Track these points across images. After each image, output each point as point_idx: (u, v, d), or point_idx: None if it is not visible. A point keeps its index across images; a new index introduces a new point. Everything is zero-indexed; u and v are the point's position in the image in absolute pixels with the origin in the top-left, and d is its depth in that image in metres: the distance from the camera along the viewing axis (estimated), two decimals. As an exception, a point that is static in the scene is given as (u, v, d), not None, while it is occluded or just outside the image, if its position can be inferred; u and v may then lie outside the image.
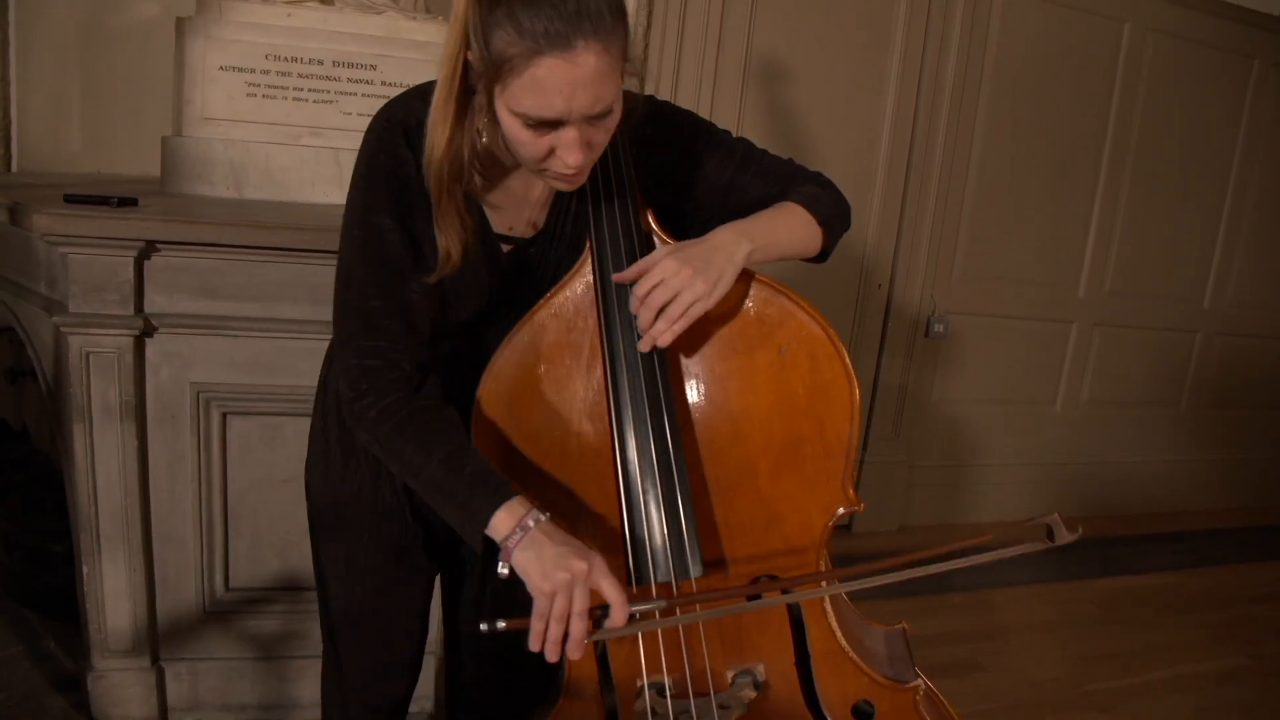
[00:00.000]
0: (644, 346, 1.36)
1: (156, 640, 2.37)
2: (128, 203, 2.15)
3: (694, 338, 1.42)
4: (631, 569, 1.39)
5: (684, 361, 1.44)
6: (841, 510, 1.45)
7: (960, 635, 3.40)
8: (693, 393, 1.44)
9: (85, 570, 2.27)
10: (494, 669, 1.70)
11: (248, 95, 2.51)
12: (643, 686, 1.46)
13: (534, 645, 1.22)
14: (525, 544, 1.22)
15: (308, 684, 2.47)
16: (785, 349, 1.43)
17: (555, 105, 1.16)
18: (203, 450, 2.29)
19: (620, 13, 1.17)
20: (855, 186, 3.89)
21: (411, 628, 1.69)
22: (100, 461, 2.20)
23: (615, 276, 1.38)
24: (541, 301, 1.42)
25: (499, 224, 1.43)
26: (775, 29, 3.66)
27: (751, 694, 1.48)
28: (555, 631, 1.21)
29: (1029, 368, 4.59)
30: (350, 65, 2.55)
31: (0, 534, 2.81)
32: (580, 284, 1.42)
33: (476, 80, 1.21)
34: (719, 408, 1.44)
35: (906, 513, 4.43)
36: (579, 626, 1.21)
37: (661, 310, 1.34)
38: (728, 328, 1.44)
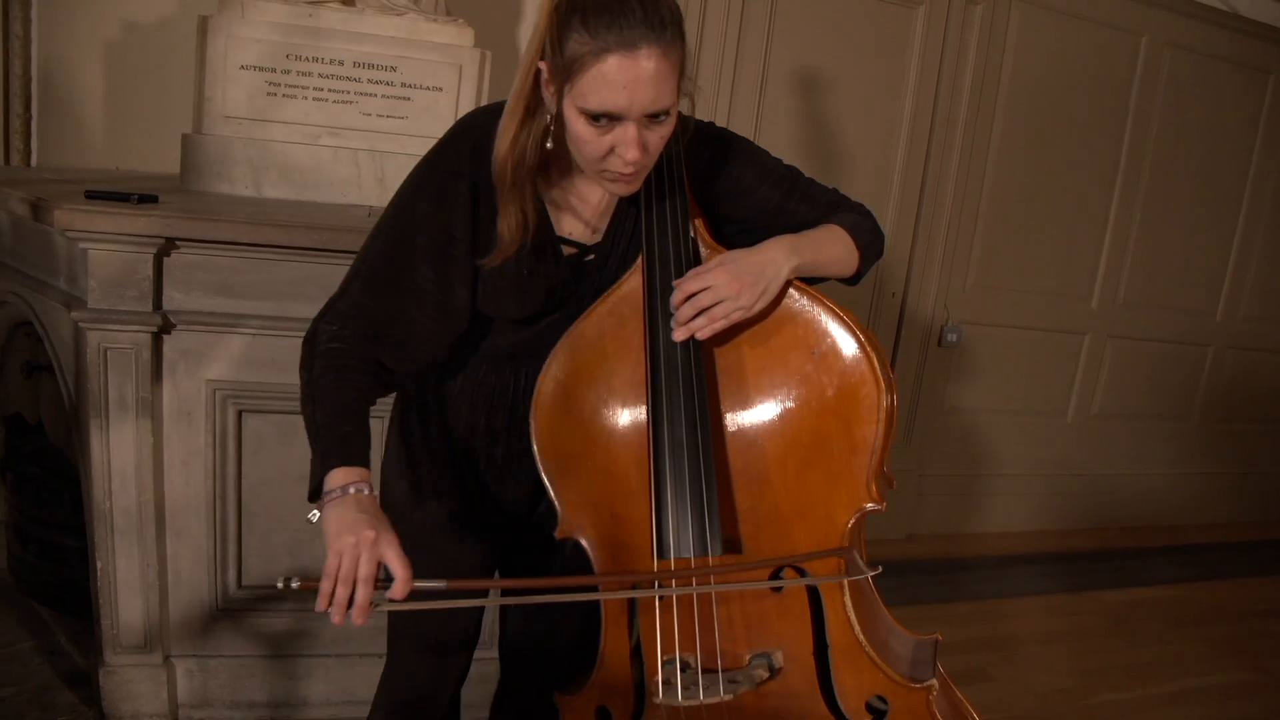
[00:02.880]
0: (678, 337, 1.46)
1: (168, 636, 2.38)
2: (148, 200, 2.16)
3: (731, 336, 1.51)
4: (655, 544, 1.48)
5: (719, 358, 1.52)
6: (866, 507, 1.49)
7: (968, 645, 3.39)
8: (727, 388, 1.52)
9: (99, 565, 2.28)
10: (550, 656, 1.87)
11: (268, 94, 2.52)
12: (665, 661, 1.54)
13: (320, 605, 1.29)
14: (337, 503, 1.34)
15: (317, 682, 2.48)
16: (818, 350, 1.49)
17: (618, 99, 1.28)
18: (218, 447, 2.30)
19: (680, 29, 1.32)
20: (871, 195, 3.89)
21: (466, 621, 1.79)
22: (116, 457, 2.22)
23: (676, 282, 1.48)
24: (597, 302, 1.54)
25: (561, 227, 1.54)
26: (793, 42, 3.67)
27: (764, 674, 1.54)
28: (341, 594, 1.28)
29: (1041, 378, 4.58)
30: (370, 66, 2.56)
31: (14, 527, 2.82)
32: (633, 284, 1.53)
33: (546, 86, 1.34)
34: (750, 402, 1.52)
35: (915, 521, 4.42)
36: (363, 592, 1.28)
37: (703, 311, 1.45)
38: (764, 328, 1.51)
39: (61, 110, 3.01)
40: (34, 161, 2.99)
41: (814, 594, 1.55)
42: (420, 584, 1.33)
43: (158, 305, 2.18)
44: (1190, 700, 3.19)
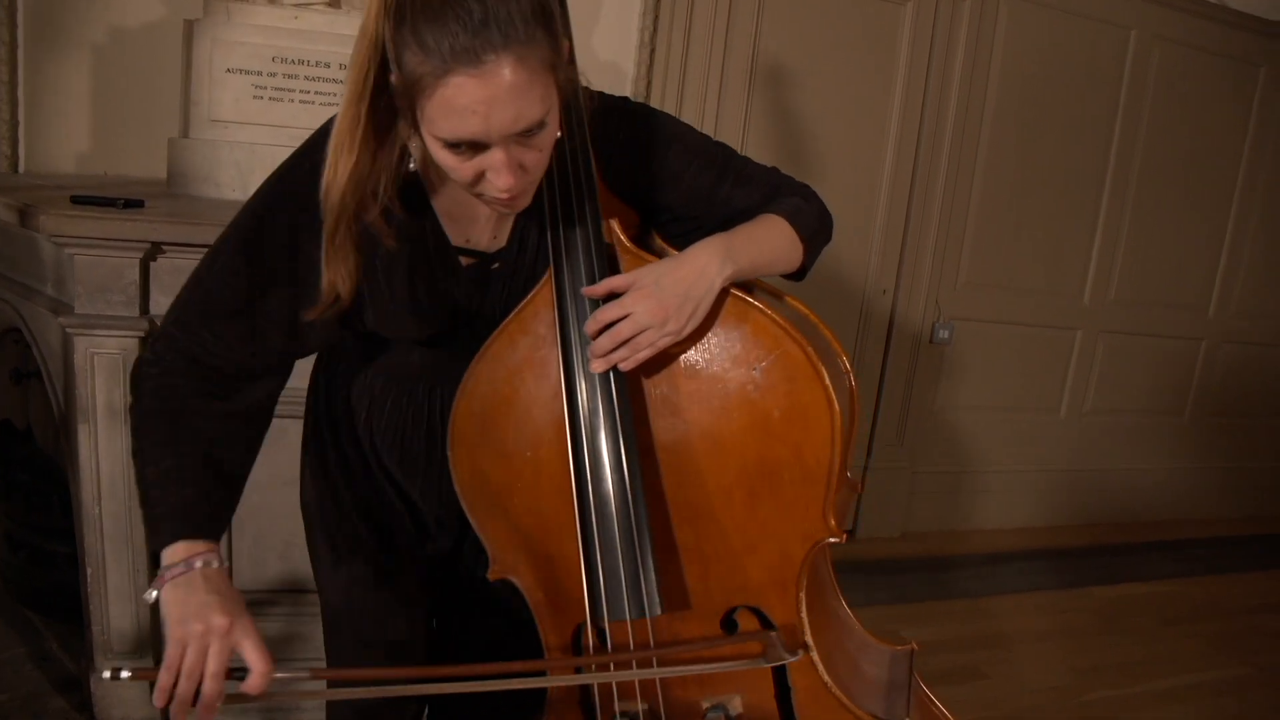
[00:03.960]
0: (596, 369, 1.28)
1: (159, 642, 2.37)
2: (134, 204, 2.15)
3: (659, 356, 1.32)
4: (588, 607, 1.32)
5: (646, 382, 1.34)
6: (827, 541, 1.35)
7: (961, 642, 3.39)
8: (657, 415, 1.35)
9: (89, 571, 2.27)
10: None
11: (254, 97, 2.51)
12: (616, 714, 1.42)
13: (158, 700, 1.10)
14: (180, 581, 1.15)
15: (309, 686, 2.47)
16: (759, 368, 1.32)
17: (471, 126, 1.06)
18: (206, 452, 2.29)
19: (540, 17, 1.07)
20: (860, 192, 3.90)
21: (408, 634, 1.63)
22: (104, 462, 2.21)
23: (585, 290, 1.30)
24: (509, 318, 1.35)
25: (456, 236, 1.35)
26: (781, 37, 3.67)
27: None
28: (184, 688, 1.09)
29: (1033, 375, 4.58)
30: (357, 68, 2.54)
31: (4, 534, 2.82)
32: (544, 301, 1.34)
33: (399, 100, 1.11)
34: (686, 431, 1.34)
35: (909, 519, 4.42)
36: (211, 687, 1.10)
37: (625, 341, 1.27)
38: (696, 345, 1.33)
39: (48, 115, 3.00)
40: (21, 167, 2.98)
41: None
42: (281, 675, 1.17)
43: (145, 310, 2.18)
44: (1184, 697, 3.19)
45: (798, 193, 1.44)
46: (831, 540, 1.35)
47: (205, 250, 1.98)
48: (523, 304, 1.34)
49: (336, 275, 1.21)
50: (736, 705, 1.44)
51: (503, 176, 1.11)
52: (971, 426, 4.51)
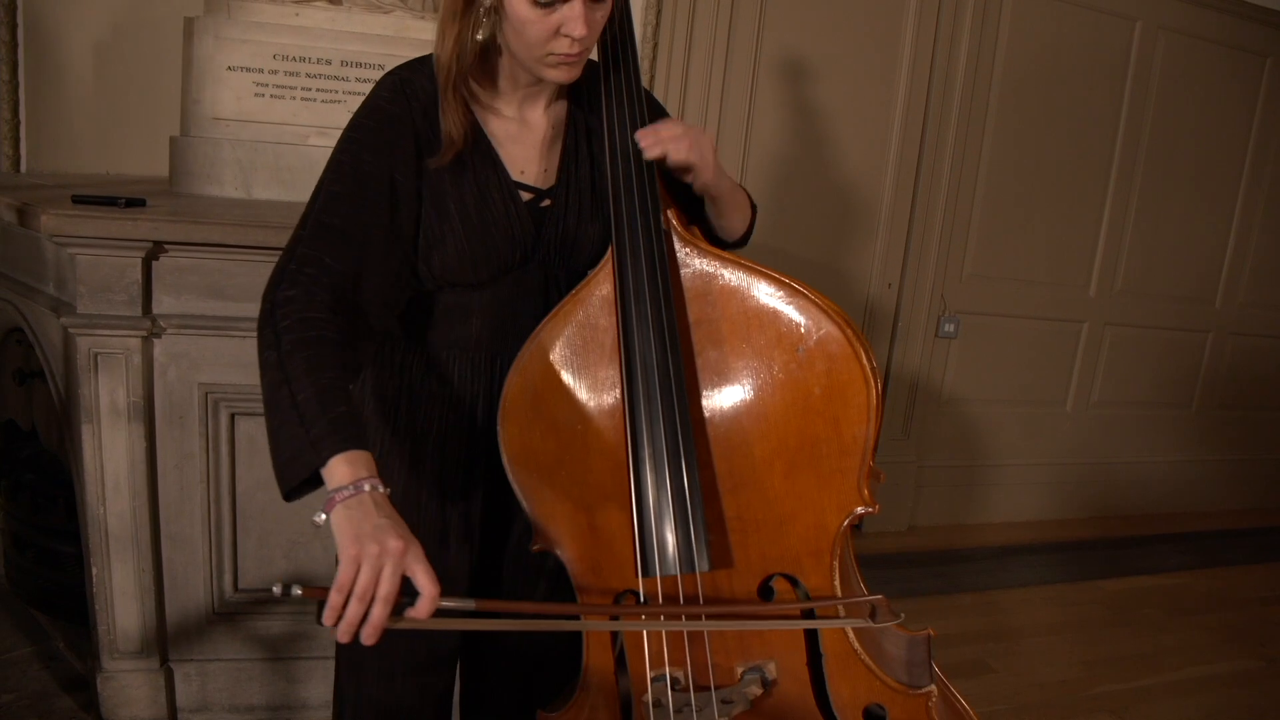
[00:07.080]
0: (649, 151, 1.46)
1: (165, 641, 2.37)
2: (135, 203, 2.15)
3: (710, 335, 1.45)
4: (640, 561, 1.41)
5: (699, 359, 1.45)
6: (858, 511, 1.44)
7: (969, 636, 3.39)
8: (707, 390, 1.45)
9: (94, 571, 2.27)
10: (523, 667, 1.74)
11: (256, 95, 2.51)
12: (654, 679, 1.47)
13: (327, 619, 1.12)
14: (351, 503, 1.15)
15: (316, 685, 2.47)
16: (802, 348, 1.42)
17: None
18: (211, 451, 2.29)
19: None
20: (865, 185, 3.89)
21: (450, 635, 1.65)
22: (109, 462, 2.21)
23: (637, 134, 1.46)
24: (565, 299, 1.47)
25: (512, 167, 1.49)
26: (785, 28, 3.65)
27: (757, 690, 1.47)
28: (354, 611, 1.11)
29: (1039, 367, 4.57)
30: (358, 65, 2.54)
31: (10, 534, 2.81)
32: (603, 284, 1.46)
33: None
34: (734, 406, 1.45)
35: (916, 513, 4.42)
36: (379, 611, 1.11)
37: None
38: (745, 326, 1.44)
39: (50, 114, 2.99)
40: (23, 167, 2.98)
41: (807, 600, 1.48)
42: (448, 603, 1.17)
43: (147, 309, 2.17)
44: (1193, 689, 3.18)
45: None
46: (865, 510, 1.44)
47: (208, 244, 1.98)
48: (578, 288, 1.47)
49: (451, 122, 1.41)
50: (771, 670, 1.50)
51: (578, 25, 1.32)
52: (978, 420, 4.50)
